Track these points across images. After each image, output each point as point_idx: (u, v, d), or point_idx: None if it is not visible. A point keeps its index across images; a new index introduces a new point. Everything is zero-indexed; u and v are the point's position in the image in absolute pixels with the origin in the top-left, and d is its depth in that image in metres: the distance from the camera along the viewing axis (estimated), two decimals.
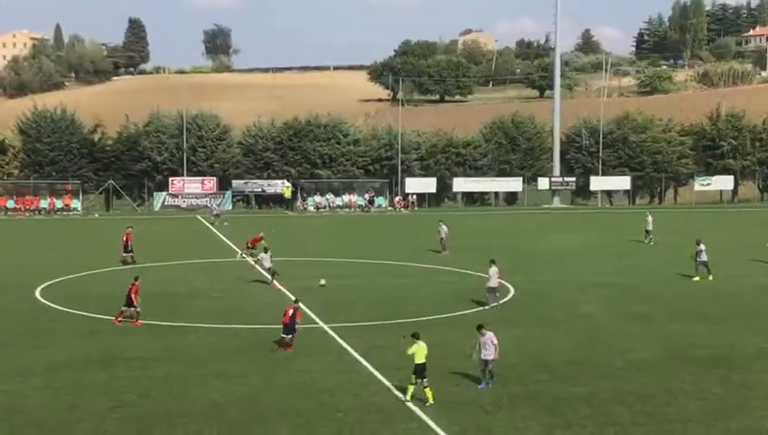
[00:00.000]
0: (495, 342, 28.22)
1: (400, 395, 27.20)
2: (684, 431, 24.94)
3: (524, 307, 41.60)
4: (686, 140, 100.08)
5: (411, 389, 27.07)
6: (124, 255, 53.52)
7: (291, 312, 33.62)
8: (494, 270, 40.87)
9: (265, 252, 47.53)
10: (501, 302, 41.90)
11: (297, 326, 33.64)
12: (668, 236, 65.67)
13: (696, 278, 47.97)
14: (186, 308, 40.97)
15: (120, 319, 37.54)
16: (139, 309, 37.51)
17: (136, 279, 38.52)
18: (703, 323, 38.58)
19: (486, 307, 40.28)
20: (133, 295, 37.48)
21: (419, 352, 27.22)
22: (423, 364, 27.09)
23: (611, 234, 66.72)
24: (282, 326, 33.34)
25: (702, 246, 48.58)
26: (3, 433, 24.77)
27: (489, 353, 28.06)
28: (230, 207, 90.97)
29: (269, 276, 46.69)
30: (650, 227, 64.96)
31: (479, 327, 28.72)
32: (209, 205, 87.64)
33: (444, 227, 59.52)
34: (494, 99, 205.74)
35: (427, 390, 26.94)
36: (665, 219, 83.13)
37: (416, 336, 27.78)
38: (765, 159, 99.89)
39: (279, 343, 33.54)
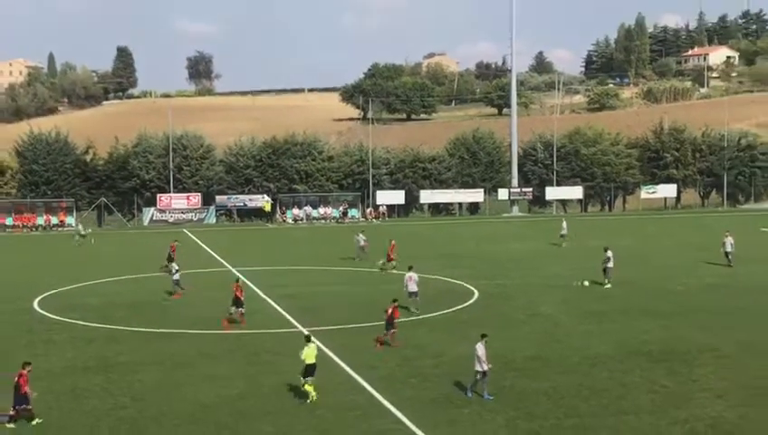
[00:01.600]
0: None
1: (309, 399, 26.80)
2: (636, 422, 25.05)
3: (488, 309, 41.63)
4: (632, 152, 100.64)
5: (311, 389, 26.95)
6: (168, 265, 52.88)
7: (390, 310, 34.16)
8: (408, 275, 40.77)
9: (170, 261, 46.86)
10: (465, 304, 42.07)
11: (396, 322, 34.21)
12: (620, 240, 66.02)
13: (608, 286, 46.67)
14: (175, 315, 40.76)
15: (236, 318, 38.14)
16: (243, 310, 38.31)
17: (237, 281, 39.59)
18: (652, 319, 38.78)
19: (416, 311, 39.85)
20: (239, 295, 38.43)
21: (310, 353, 27.18)
22: (313, 365, 27.08)
23: (569, 240, 66.79)
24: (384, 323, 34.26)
25: (609, 254, 47.45)
26: (6, 433, 24.63)
27: (485, 364, 27.01)
28: (214, 221, 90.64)
29: (176, 288, 45.53)
30: (565, 232, 65.81)
31: (483, 336, 27.60)
32: (74, 225, 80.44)
33: (362, 236, 59.97)
34: (456, 117, 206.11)
35: (310, 388, 26.89)
36: (614, 225, 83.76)
37: (307, 339, 27.84)
38: (705, 168, 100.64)
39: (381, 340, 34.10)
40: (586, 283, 47.29)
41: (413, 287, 40.38)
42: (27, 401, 25.16)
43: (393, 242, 54.66)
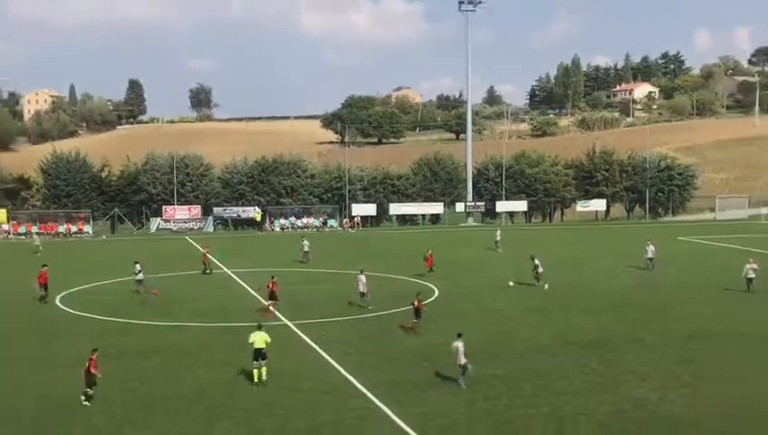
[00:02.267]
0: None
1: (255, 381, 26.89)
2: (572, 401, 25.18)
3: (447, 305, 41.63)
4: (569, 171, 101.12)
5: (256, 372, 26.94)
6: (207, 265, 53.37)
7: (416, 302, 34.98)
8: (358, 277, 40.73)
9: (136, 263, 46.53)
10: (427, 301, 42.09)
11: (422, 312, 35.17)
12: (558, 247, 66.27)
13: (546, 286, 46.11)
14: (178, 310, 40.49)
15: (270, 310, 38.70)
16: (277, 302, 39.09)
17: (272, 277, 40.20)
18: (585, 314, 39.01)
19: (369, 307, 39.68)
20: (275, 290, 39.19)
21: (258, 340, 27.12)
22: (261, 349, 26.99)
23: (512, 246, 67.06)
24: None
25: (537, 261, 47.11)
26: (36, 413, 24.45)
27: (461, 358, 26.53)
28: (212, 229, 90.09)
29: (139, 287, 45.24)
30: (498, 239, 66.15)
31: (459, 335, 27.06)
32: (31, 236, 75.39)
33: (306, 242, 59.87)
34: (420, 141, 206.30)
35: (264, 369, 26.84)
36: (553, 234, 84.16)
37: (259, 327, 27.80)
38: (630, 186, 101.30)
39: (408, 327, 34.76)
40: (511, 283, 47.33)
41: (362, 288, 40.25)
42: (92, 381, 25.15)
43: (430, 252, 52.93)
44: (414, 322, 34.64)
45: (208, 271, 53.32)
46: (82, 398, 25.04)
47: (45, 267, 43.93)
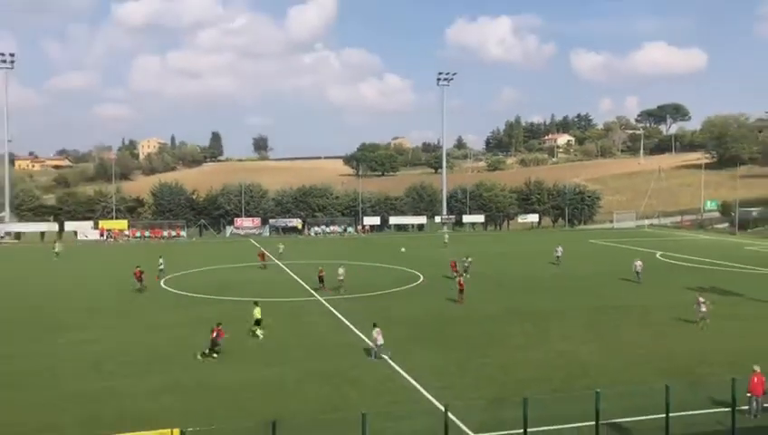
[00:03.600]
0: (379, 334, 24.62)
1: (253, 336, 27.40)
2: (515, 353, 25.09)
3: (429, 287, 41.43)
4: (513, 195, 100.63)
5: (254, 330, 27.74)
6: (263, 262, 51.50)
7: (462, 281, 36.02)
8: (341, 270, 39.81)
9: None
10: (415, 284, 41.92)
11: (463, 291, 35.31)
12: (503, 247, 65.68)
13: (467, 277, 43.41)
14: (236, 289, 40.27)
15: (327, 290, 38.26)
16: (324, 284, 38.59)
17: (320, 268, 40.48)
18: (525, 294, 38.76)
19: (342, 290, 38.37)
20: (323, 276, 39.22)
21: (257, 312, 28.04)
22: (259, 319, 27.84)
23: (472, 246, 66.67)
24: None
25: (470, 259, 45.60)
26: (144, 360, 24.21)
27: (380, 340, 24.47)
28: (268, 234, 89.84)
29: (161, 274, 44.61)
30: (446, 240, 65.59)
31: (374, 325, 24.96)
32: (54, 245, 62.50)
33: (281, 245, 58.96)
34: (411, 174, 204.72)
35: (259, 330, 27.62)
36: (503, 238, 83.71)
37: (255, 303, 28.54)
38: (555, 205, 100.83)
39: (456, 300, 35.03)
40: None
41: (340, 277, 39.21)
42: (217, 344, 24.95)
43: (453, 261, 48.12)
44: (461, 296, 34.96)
45: (263, 266, 52.60)
46: (214, 355, 24.74)
47: (139, 267, 43.09)
